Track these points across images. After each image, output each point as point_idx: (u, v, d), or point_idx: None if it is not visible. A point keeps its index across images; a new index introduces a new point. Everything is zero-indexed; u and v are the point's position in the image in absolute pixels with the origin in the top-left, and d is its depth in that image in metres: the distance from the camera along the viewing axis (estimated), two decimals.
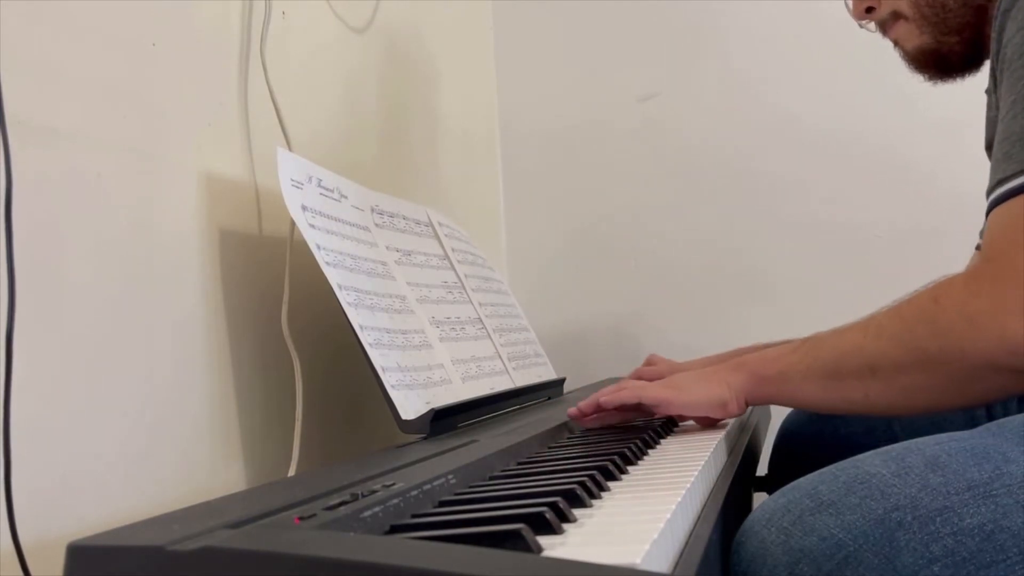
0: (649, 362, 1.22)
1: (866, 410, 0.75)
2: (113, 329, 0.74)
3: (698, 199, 1.67)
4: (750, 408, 1.13)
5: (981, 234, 0.77)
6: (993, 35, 0.74)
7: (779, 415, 1.16)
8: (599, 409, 0.87)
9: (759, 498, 1.10)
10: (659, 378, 0.92)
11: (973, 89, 1.52)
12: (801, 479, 0.64)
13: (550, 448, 0.78)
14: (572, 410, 0.89)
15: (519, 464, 0.70)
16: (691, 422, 0.91)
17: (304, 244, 0.83)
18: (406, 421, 0.82)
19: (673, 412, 0.87)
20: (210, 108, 0.90)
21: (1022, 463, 0.58)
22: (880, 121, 1.58)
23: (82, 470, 0.70)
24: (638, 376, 1.14)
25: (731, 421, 0.96)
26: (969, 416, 0.92)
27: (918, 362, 0.68)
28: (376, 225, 1.00)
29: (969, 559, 0.54)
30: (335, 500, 0.51)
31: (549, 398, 1.22)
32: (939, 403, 0.72)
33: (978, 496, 0.57)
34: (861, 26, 1.04)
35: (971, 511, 0.56)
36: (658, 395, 0.85)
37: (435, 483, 0.58)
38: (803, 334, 0.82)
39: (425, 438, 0.83)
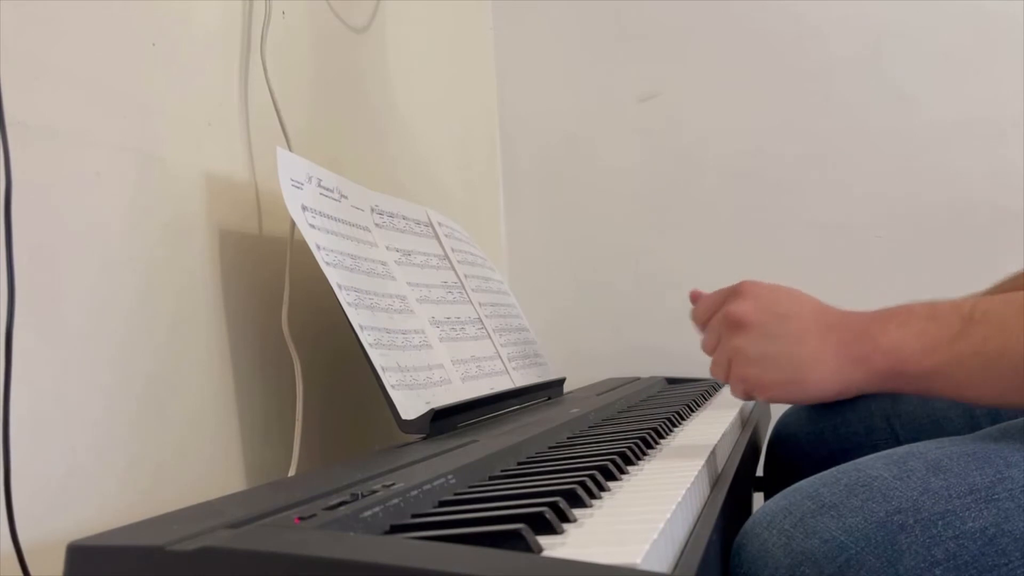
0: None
1: None
2: (112, 329, 0.74)
3: (699, 199, 1.67)
4: (752, 403, 1.13)
5: None
6: None
7: (777, 412, 1.16)
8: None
9: (759, 498, 1.10)
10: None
11: (974, 90, 1.53)
12: (802, 481, 0.63)
13: (550, 448, 0.78)
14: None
15: (519, 464, 0.70)
16: (696, 415, 0.90)
17: (304, 244, 0.83)
18: (406, 421, 0.82)
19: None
20: (210, 108, 0.90)
21: (1023, 467, 0.58)
22: (880, 122, 1.58)
23: (82, 470, 0.69)
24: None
25: (732, 418, 0.96)
26: (970, 416, 0.92)
27: None
28: (376, 225, 1.00)
29: (971, 563, 0.54)
30: (335, 500, 0.51)
31: (549, 398, 1.22)
32: None
33: (980, 500, 0.56)
34: None
35: (973, 515, 0.56)
36: (736, 392, 0.72)
37: (435, 483, 0.58)
38: None
39: (425, 438, 0.83)
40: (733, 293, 0.74)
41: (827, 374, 0.66)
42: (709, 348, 0.75)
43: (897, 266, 1.55)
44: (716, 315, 0.75)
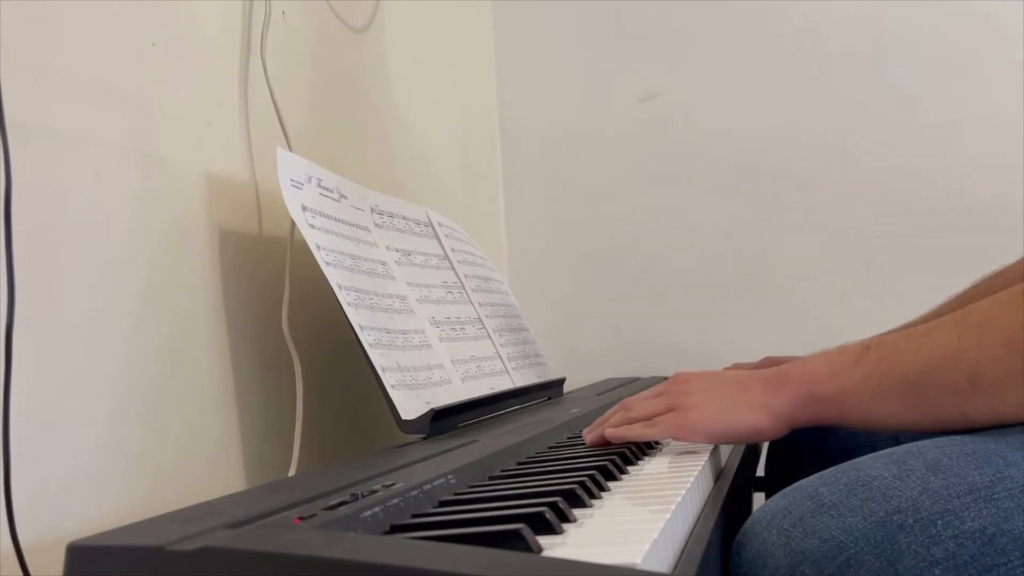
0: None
1: (965, 427, 0.63)
2: (112, 329, 0.74)
3: (699, 199, 1.67)
4: None
5: None
6: None
7: None
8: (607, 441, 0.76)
9: (759, 498, 1.10)
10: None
11: (974, 90, 1.53)
12: (802, 481, 0.63)
13: (550, 448, 0.78)
14: (589, 437, 0.77)
15: (519, 464, 0.70)
16: None
17: (304, 244, 0.83)
18: (406, 421, 0.82)
19: (691, 441, 0.75)
20: (210, 108, 0.90)
21: (1023, 467, 0.58)
22: (880, 121, 1.58)
23: (82, 470, 0.69)
24: None
25: None
26: None
27: None
28: (376, 225, 1.00)
29: (970, 562, 0.54)
30: (335, 500, 0.51)
31: (549, 398, 1.22)
32: None
33: (979, 499, 0.56)
34: None
35: (972, 514, 0.56)
36: (666, 431, 0.73)
37: (435, 483, 0.58)
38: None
39: (425, 438, 0.83)
40: (671, 379, 0.80)
41: (753, 403, 0.72)
42: (644, 412, 0.77)
43: (897, 266, 1.55)
44: (655, 393, 0.79)
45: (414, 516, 0.53)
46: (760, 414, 0.71)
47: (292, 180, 0.85)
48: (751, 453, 0.95)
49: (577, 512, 0.52)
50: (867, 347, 0.68)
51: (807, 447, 1.03)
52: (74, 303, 0.70)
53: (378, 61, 1.30)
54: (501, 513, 0.50)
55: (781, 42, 1.63)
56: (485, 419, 0.97)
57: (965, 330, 0.62)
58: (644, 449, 0.76)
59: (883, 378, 0.65)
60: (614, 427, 0.76)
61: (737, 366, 1.13)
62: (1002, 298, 0.61)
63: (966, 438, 0.63)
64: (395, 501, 0.52)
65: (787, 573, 0.57)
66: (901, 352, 0.65)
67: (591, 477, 0.59)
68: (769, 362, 1.11)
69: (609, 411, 0.80)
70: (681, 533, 0.53)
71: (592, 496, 0.57)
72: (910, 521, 0.56)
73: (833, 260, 1.59)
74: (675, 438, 0.75)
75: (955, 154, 1.53)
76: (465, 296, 1.12)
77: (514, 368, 1.15)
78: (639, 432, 0.74)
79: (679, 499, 0.54)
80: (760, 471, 1.10)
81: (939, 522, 0.56)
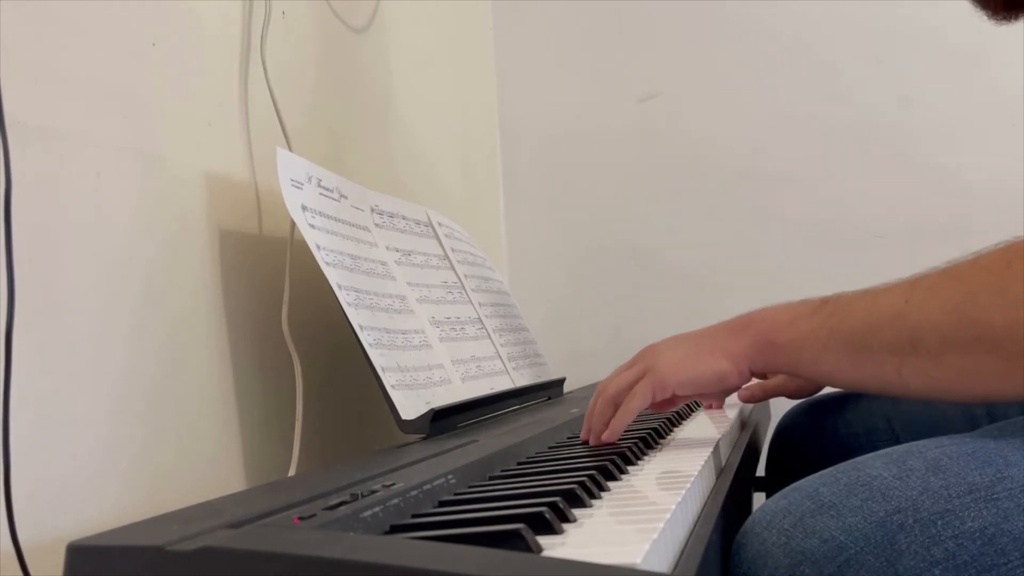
0: None
1: (901, 392, 0.64)
2: (112, 329, 0.74)
3: (699, 198, 1.67)
4: (751, 406, 1.13)
5: None
6: None
7: (777, 413, 1.16)
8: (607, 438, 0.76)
9: (759, 498, 1.10)
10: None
11: (973, 89, 1.53)
12: (802, 481, 0.63)
13: (550, 448, 0.78)
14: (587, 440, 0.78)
15: (519, 464, 0.70)
16: (696, 416, 0.90)
17: (304, 244, 0.83)
18: (406, 421, 0.82)
19: (668, 395, 0.76)
20: (210, 108, 0.90)
21: (1023, 466, 0.58)
22: (880, 122, 1.58)
23: (82, 470, 0.69)
24: None
25: (732, 418, 0.96)
26: (969, 417, 0.92)
27: (976, 339, 0.57)
28: (376, 225, 1.00)
29: (970, 562, 0.54)
30: (335, 500, 0.51)
31: (549, 398, 1.22)
32: (998, 391, 0.60)
33: (979, 499, 0.56)
34: None
35: (972, 514, 0.56)
36: (645, 393, 0.74)
37: (435, 483, 0.58)
38: None
39: (425, 438, 0.83)
40: (639, 353, 0.82)
41: (715, 348, 0.74)
42: (621, 386, 0.78)
43: (897, 266, 1.54)
44: (628, 364, 0.82)
45: (414, 516, 0.53)
46: (719, 357, 0.73)
47: (292, 180, 0.85)
48: (751, 453, 0.95)
49: (577, 512, 0.52)
50: (826, 301, 0.70)
51: (807, 447, 1.03)
52: (74, 303, 0.70)
53: (378, 61, 1.30)
54: (501, 513, 0.50)
55: (781, 42, 1.63)
56: (485, 419, 0.97)
57: (913, 293, 0.63)
58: (644, 448, 0.76)
59: (833, 330, 0.67)
60: (602, 421, 0.76)
61: None
62: (954, 268, 0.63)
63: (966, 437, 0.63)
64: (395, 501, 0.52)
65: (787, 573, 0.57)
66: (854, 308, 0.67)
67: (591, 477, 0.59)
68: None
69: (591, 402, 0.80)
70: (681, 533, 0.53)
71: (592, 496, 0.57)
72: (910, 521, 0.56)
73: (833, 260, 1.59)
74: (653, 400, 0.76)
75: (955, 154, 1.53)
76: (465, 296, 1.12)
77: (514, 368, 1.15)
78: (624, 417, 0.75)
79: (679, 499, 0.54)
80: (760, 471, 1.10)
81: (939, 522, 0.56)
